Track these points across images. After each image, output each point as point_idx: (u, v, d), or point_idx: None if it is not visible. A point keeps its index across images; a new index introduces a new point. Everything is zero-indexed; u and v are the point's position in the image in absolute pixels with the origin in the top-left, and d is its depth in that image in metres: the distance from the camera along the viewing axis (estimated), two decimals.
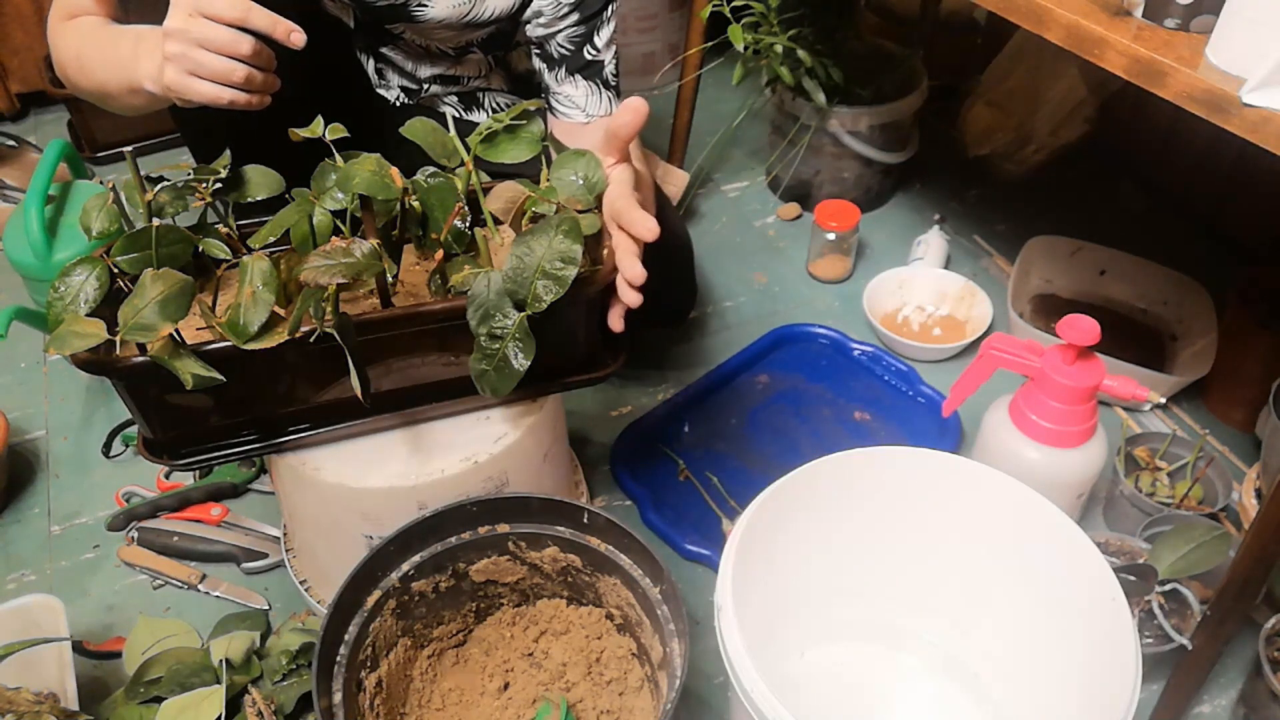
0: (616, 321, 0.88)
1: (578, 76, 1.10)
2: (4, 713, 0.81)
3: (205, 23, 0.79)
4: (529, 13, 1.09)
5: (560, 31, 1.08)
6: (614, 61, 1.12)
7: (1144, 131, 1.58)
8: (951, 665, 0.94)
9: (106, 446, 1.25)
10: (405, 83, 1.19)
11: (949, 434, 1.22)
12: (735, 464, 1.21)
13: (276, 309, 0.78)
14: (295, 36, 0.82)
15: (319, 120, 0.84)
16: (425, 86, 1.20)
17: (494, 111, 1.24)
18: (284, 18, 0.81)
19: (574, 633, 0.94)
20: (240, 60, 0.81)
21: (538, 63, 1.13)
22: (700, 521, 1.14)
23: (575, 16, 1.07)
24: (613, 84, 1.12)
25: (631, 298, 0.83)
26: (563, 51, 1.09)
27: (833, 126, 1.49)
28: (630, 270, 0.82)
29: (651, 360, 1.35)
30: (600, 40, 1.09)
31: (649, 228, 0.81)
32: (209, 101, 0.82)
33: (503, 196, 0.91)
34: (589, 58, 1.09)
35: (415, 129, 0.85)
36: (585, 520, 0.88)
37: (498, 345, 0.80)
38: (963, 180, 1.65)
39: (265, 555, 1.10)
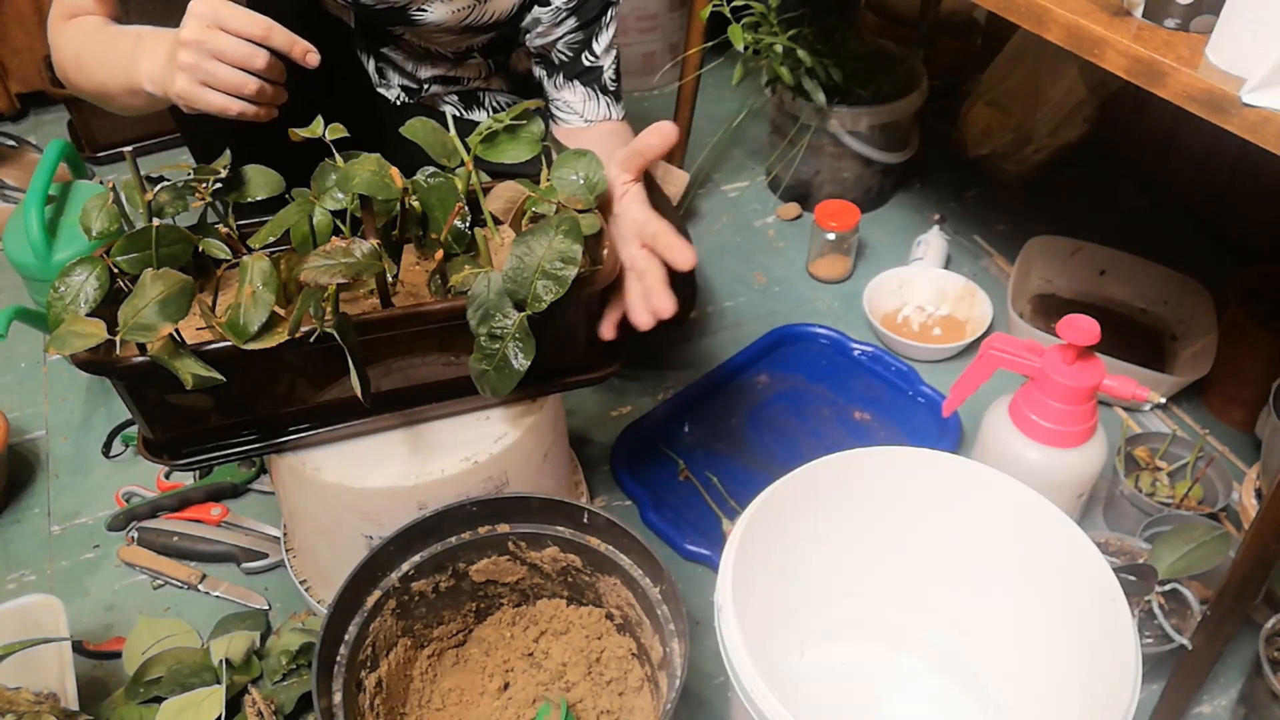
0: (609, 329, 0.88)
1: (575, 82, 1.10)
2: (4, 713, 0.81)
3: (223, 35, 0.79)
4: (528, 20, 1.09)
5: (559, 38, 1.08)
6: (613, 67, 1.12)
7: (1144, 131, 1.58)
8: (951, 665, 0.94)
9: (106, 446, 1.25)
10: (405, 82, 1.20)
11: (949, 434, 1.22)
12: (735, 464, 1.21)
13: (276, 309, 0.78)
14: (311, 57, 0.82)
15: (319, 120, 0.84)
16: (425, 86, 1.20)
17: (495, 110, 1.24)
18: (283, 15, 0.82)
19: (574, 633, 0.95)
20: (253, 74, 0.81)
21: (538, 70, 1.13)
22: (700, 521, 1.14)
23: (573, 21, 1.07)
24: (611, 89, 1.12)
25: (648, 323, 0.85)
26: (562, 58, 1.09)
27: (833, 126, 1.49)
28: (663, 302, 0.83)
29: (651, 360, 1.35)
30: (598, 46, 1.09)
31: (688, 257, 0.82)
32: (218, 112, 0.82)
33: (503, 196, 0.91)
34: (587, 64, 1.09)
35: (415, 129, 0.85)
36: (585, 520, 0.88)
37: (498, 345, 0.80)
38: (963, 180, 1.65)
39: (265, 555, 1.10)
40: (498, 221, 0.92)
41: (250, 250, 0.86)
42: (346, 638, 0.83)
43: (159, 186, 0.84)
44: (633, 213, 0.87)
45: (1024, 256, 1.37)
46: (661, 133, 0.87)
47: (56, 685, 0.88)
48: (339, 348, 0.76)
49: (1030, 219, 1.54)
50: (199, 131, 1.04)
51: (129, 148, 0.84)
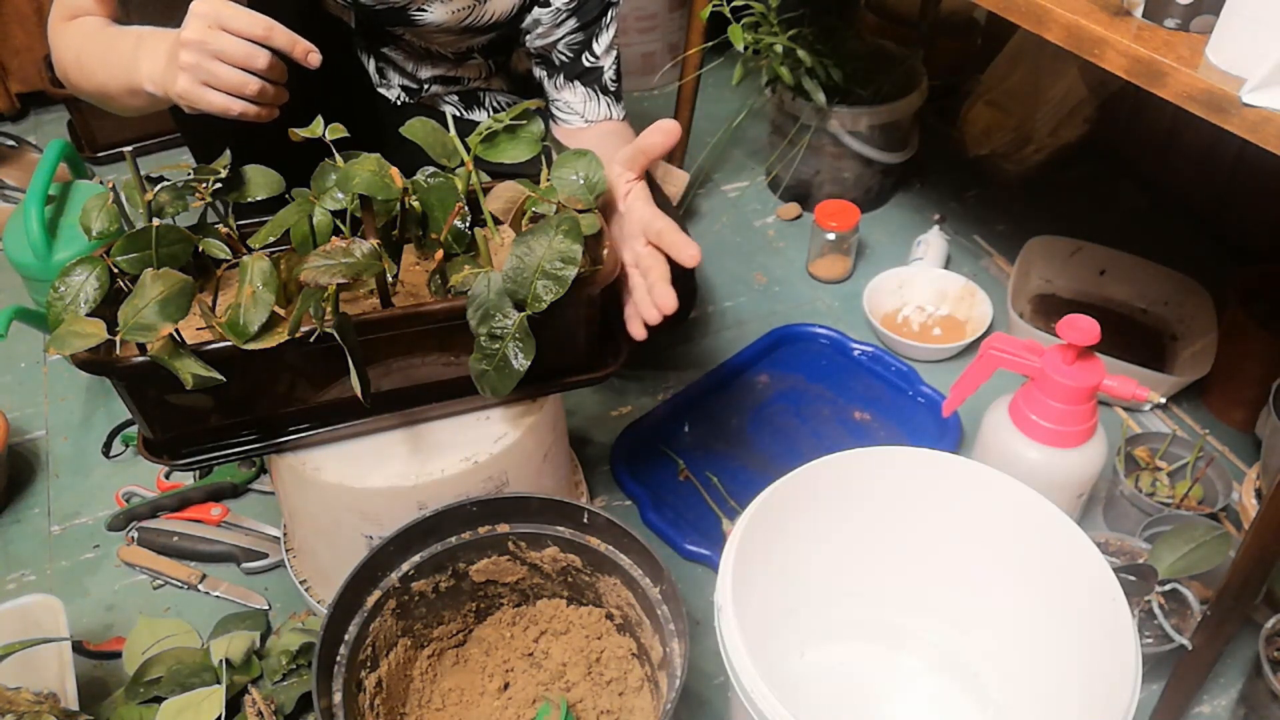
0: (638, 329, 0.88)
1: (576, 83, 1.10)
2: (4, 713, 0.81)
3: (224, 35, 0.79)
4: (528, 22, 1.09)
5: (560, 39, 1.08)
6: (614, 68, 1.12)
7: (1144, 131, 1.58)
8: (951, 665, 0.94)
9: (106, 446, 1.25)
10: (406, 82, 1.20)
11: (949, 434, 1.22)
12: (735, 464, 1.21)
13: (276, 309, 0.78)
14: (312, 57, 0.82)
15: (319, 120, 0.84)
16: (426, 86, 1.20)
17: (495, 110, 1.24)
18: (283, 16, 0.82)
19: (574, 633, 0.95)
20: (254, 74, 0.81)
21: (538, 71, 1.13)
22: (700, 521, 1.14)
23: (573, 22, 1.07)
24: (612, 89, 1.12)
25: (655, 318, 0.85)
26: (562, 59, 1.09)
27: (833, 126, 1.49)
28: (665, 298, 0.83)
29: (651, 360, 1.35)
30: (599, 47, 1.09)
31: (693, 253, 0.82)
32: (219, 112, 0.82)
33: (503, 196, 0.91)
34: (587, 64, 1.09)
35: (415, 129, 0.85)
36: (585, 520, 0.88)
37: (498, 345, 0.80)
38: (963, 180, 1.65)
39: (265, 555, 1.10)
40: (498, 221, 0.92)
41: (250, 250, 0.86)
42: (346, 638, 0.83)
43: (159, 186, 0.84)
44: (637, 210, 0.88)
45: (1024, 256, 1.37)
46: (664, 131, 0.87)
47: (56, 685, 0.88)
48: (339, 348, 0.76)
49: (1030, 219, 1.54)
50: (199, 131, 1.04)
51: (129, 148, 0.84)
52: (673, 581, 0.82)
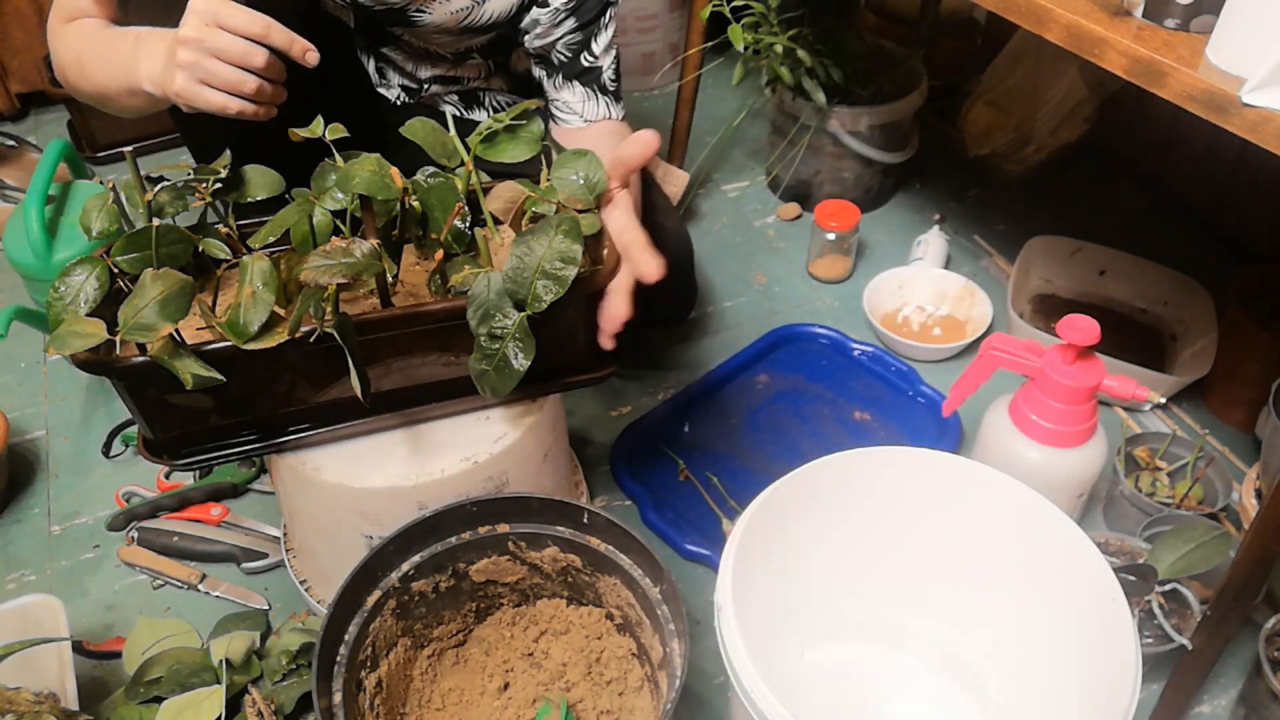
0: (607, 340, 0.88)
1: (575, 83, 1.10)
2: (4, 713, 0.81)
3: (222, 33, 0.79)
4: (527, 22, 1.09)
5: (559, 39, 1.08)
6: (613, 67, 1.12)
7: (1144, 131, 1.58)
8: (951, 665, 0.94)
9: (106, 446, 1.25)
10: (406, 82, 1.20)
11: (949, 434, 1.22)
12: (735, 464, 1.21)
13: (276, 309, 0.78)
14: (310, 55, 0.82)
15: (319, 120, 0.84)
16: (425, 86, 1.20)
17: (495, 110, 1.24)
18: (283, 15, 0.82)
19: (574, 633, 0.95)
20: (252, 72, 0.81)
21: (537, 71, 1.13)
22: (700, 521, 1.14)
23: (572, 22, 1.07)
24: (611, 89, 1.12)
25: (610, 330, 0.86)
26: (561, 59, 1.09)
27: (833, 126, 1.49)
28: (616, 309, 0.84)
29: (651, 360, 1.35)
30: (598, 47, 1.09)
31: (653, 270, 0.83)
32: (217, 110, 0.82)
33: (503, 196, 0.91)
34: (586, 64, 1.09)
35: (415, 129, 0.85)
36: (585, 520, 0.88)
37: (498, 345, 0.80)
38: (963, 180, 1.65)
39: (265, 555, 1.10)
40: (498, 221, 0.92)
41: (250, 250, 0.86)
42: (346, 638, 0.83)
43: (159, 186, 0.84)
44: (614, 220, 0.87)
45: (1024, 256, 1.37)
46: (642, 142, 0.86)
47: (56, 685, 0.88)
48: (339, 348, 0.76)
49: (1030, 219, 1.54)
50: (199, 131, 1.03)
51: (129, 148, 0.84)
52: (673, 581, 0.82)
